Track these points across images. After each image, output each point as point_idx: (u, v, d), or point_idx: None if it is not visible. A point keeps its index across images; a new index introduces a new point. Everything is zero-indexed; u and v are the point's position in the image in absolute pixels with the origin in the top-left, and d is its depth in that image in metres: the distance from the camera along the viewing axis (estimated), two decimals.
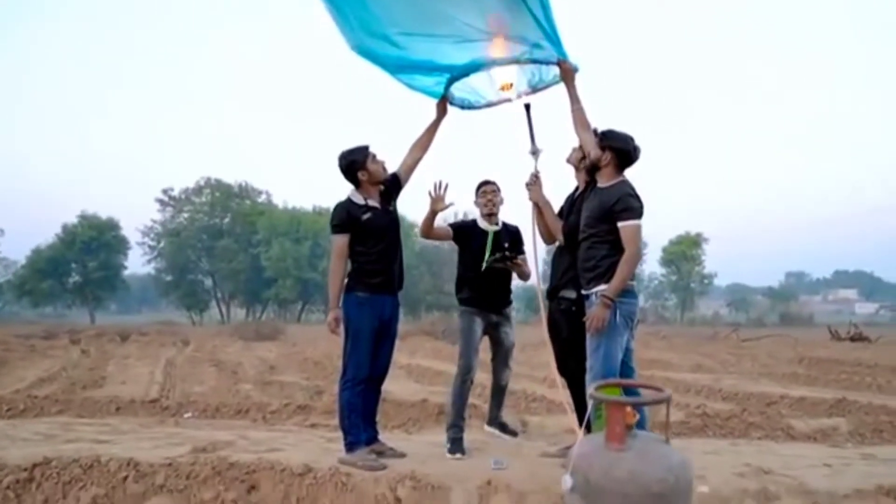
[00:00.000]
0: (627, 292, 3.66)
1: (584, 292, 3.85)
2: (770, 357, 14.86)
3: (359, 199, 4.27)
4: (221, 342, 17.80)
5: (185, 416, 6.02)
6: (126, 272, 54.48)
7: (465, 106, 4.81)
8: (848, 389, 8.99)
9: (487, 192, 4.83)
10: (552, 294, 4.39)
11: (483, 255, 4.73)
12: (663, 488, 1.96)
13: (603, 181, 3.82)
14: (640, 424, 2.25)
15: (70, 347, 14.91)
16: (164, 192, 53.13)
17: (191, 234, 52.61)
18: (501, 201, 4.93)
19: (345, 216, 4.21)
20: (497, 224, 4.86)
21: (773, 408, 7.46)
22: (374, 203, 4.28)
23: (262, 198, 56.09)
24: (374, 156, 4.29)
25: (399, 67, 4.46)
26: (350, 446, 4.09)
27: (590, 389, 2.23)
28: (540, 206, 4.39)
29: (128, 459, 3.51)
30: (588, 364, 3.65)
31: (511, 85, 4.60)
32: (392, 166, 4.46)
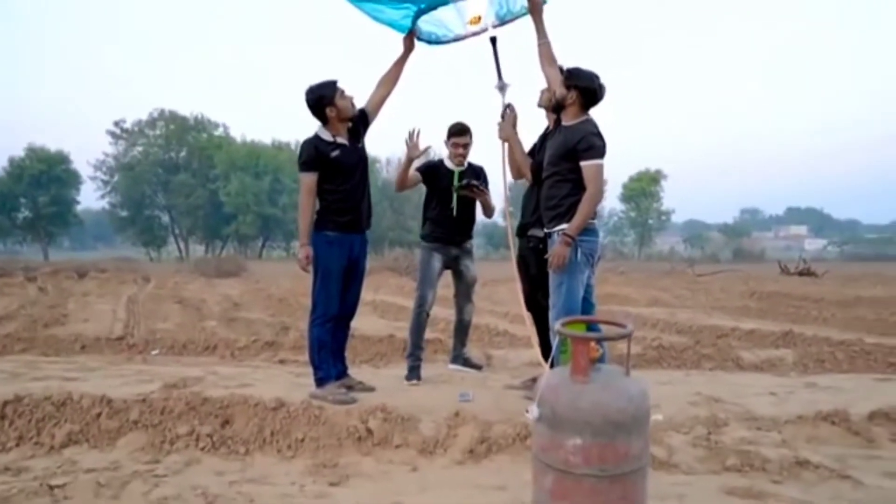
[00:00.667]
0: (588, 230, 3.75)
1: (545, 230, 3.93)
2: (723, 291, 15.37)
3: (327, 136, 4.23)
4: (182, 279, 17.62)
5: (153, 353, 6.03)
6: (79, 207, 53.09)
7: (433, 41, 4.75)
8: (795, 322, 9.41)
9: (459, 144, 4.90)
10: (521, 231, 4.50)
11: (449, 194, 4.82)
12: (623, 417, 2.08)
13: (567, 119, 3.84)
14: (601, 358, 2.37)
15: (26, 284, 14.60)
16: (116, 124, 51.40)
17: (145, 168, 51.18)
18: (470, 143, 5.00)
19: (313, 153, 4.17)
20: (463, 165, 4.93)
21: (724, 340, 7.78)
22: (342, 140, 4.25)
23: (220, 131, 54.62)
24: (342, 91, 4.22)
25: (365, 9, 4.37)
26: (320, 381, 4.20)
27: (556, 325, 2.33)
28: (510, 144, 4.41)
29: (101, 396, 3.54)
30: (551, 301, 3.78)
31: (479, 18, 4.56)
32: (360, 102, 4.42)
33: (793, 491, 2.87)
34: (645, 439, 2.19)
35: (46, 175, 47.36)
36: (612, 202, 65.03)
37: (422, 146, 4.64)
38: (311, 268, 4.20)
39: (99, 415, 3.42)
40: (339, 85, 4.22)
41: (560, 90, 3.82)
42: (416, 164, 4.90)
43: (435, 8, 4.40)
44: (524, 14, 4.36)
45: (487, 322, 8.63)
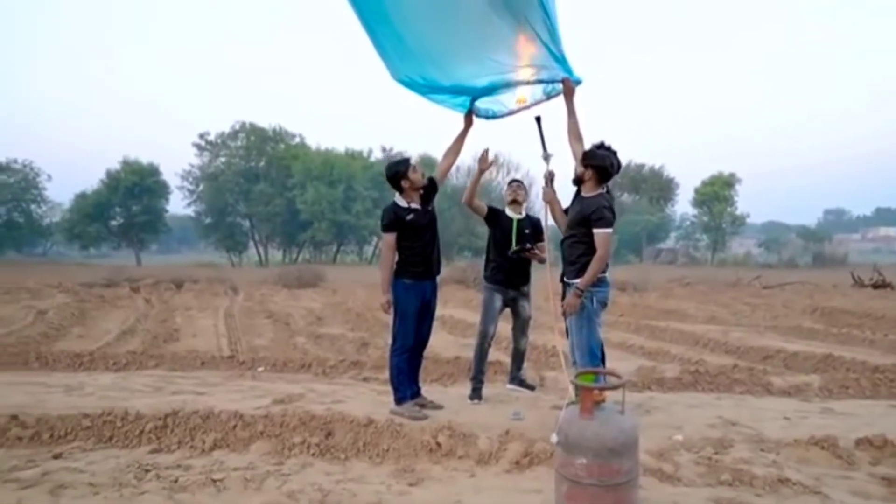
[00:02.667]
0: (601, 281, 4.62)
1: (566, 281, 4.82)
2: (785, 307, 15.59)
3: (403, 203, 5.21)
4: (268, 291, 19.11)
5: (259, 369, 7.18)
6: (166, 214, 56.55)
7: (490, 116, 5.66)
8: (844, 343, 9.85)
9: (513, 185, 5.96)
10: (562, 277, 5.37)
11: (509, 238, 5.74)
12: (616, 444, 2.95)
13: (585, 191, 4.72)
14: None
15: (134, 297, 16.34)
16: (201, 136, 54.59)
17: (228, 177, 54.05)
18: (526, 196, 5.98)
19: (392, 217, 5.16)
20: (521, 214, 5.86)
21: (767, 362, 8.38)
22: (415, 205, 5.23)
23: (296, 140, 57.10)
24: (414, 167, 5.22)
25: (431, 90, 5.34)
26: (399, 400, 5.19)
27: (570, 376, 3.22)
28: (552, 205, 5.29)
29: (234, 411, 4.63)
30: (574, 341, 4.66)
31: (525, 98, 5.45)
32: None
33: (769, 502, 3.64)
34: (634, 460, 3.05)
35: (139, 186, 50.77)
36: (683, 206, 64.35)
37: (490, 159, 5.65)
38: (391, 309, 5.19)
39: (235, 426, 4.50)
40: (412, 161, 5.23)
41: (579, 167, 4.70)
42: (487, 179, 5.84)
43: (486, 95, 5.34)
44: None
45: (546, 341, 9.45)
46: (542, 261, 5.81)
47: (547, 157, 5.37)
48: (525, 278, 5.87)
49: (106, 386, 6.08)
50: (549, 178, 5.30)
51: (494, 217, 5.89)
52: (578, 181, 4.79)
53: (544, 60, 4.99)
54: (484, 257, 6.05)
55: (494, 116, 5.66)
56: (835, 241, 76.22)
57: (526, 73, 5.11)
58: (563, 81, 5.08)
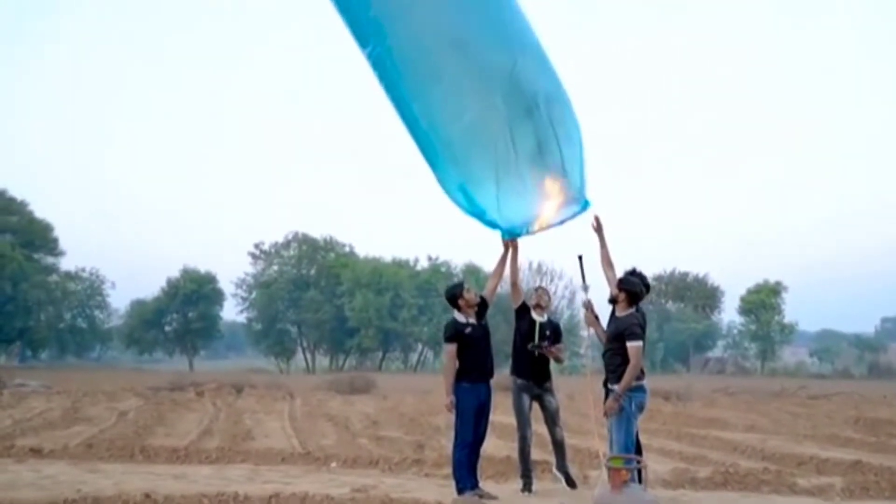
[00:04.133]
0: (638, 387, 5.54)
1: (608, 387, 5.75)
2: (827, 417, 15.79)
3: (461, 318, 6.30)
4: (323, 396, 20.09)
5: (332, 465, 8.09)
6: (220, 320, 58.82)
7: (515, 234, 6.56)
8: (878, 451, 10.22)
9: (539, 291, 6.88)
10: (604, 383, 6.27)
11: (532, 337, 6.52)
12: None
13: (619, 311, 5.77)
14: (640, 478, 4.14)
15: (201, 400, 17.52)
16: (256, 246, 57.62)
17: (280, 285, 56.36)
18: (549, 301, 6.90)
19: (453, 331, 6.22)
20: (543, 317, 6.69)
21: (800, 468, 8.88)
22: (472, 320, 6.30)
23: (346, 249, 59.58)
24: (468, 288, 6.36)
25: (469, 214, 6.42)
26: (460, 491, 6.05)
27: (604, 461, 4.14)
28: (594, 328, 6.29)
29: (326, 494, 5.58)
30: (614, 438, 5.55)
31: (547, 226, 6.49)
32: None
33: None
34: None
35: (197, 293, 53.39)
36: (730, 315, 63.88)
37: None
38: (454, 409, 6.15)
39: None
40: (466, 285, 6.38)
41: (613, 290, 5.76)
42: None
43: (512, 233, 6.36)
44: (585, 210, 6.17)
45: (590, 445, 10.10)
46: (558, 360, 6.68)
47: (586, 289, 6.42)
48: (547, 375, 6.64)
49: (207, 476, 7.09)
50: (589, 305, 6.34)
51: (524, 311, 6.65)
52: (613, 301, 5.83)
53: (568, 195, 6.03)
54: (511, 353, 6.77)
55: (519, 235, 6.55)
56: (891, 350, 73.92)
57: (550, 213, 6.15)
58: (594, 219, 6.18)
